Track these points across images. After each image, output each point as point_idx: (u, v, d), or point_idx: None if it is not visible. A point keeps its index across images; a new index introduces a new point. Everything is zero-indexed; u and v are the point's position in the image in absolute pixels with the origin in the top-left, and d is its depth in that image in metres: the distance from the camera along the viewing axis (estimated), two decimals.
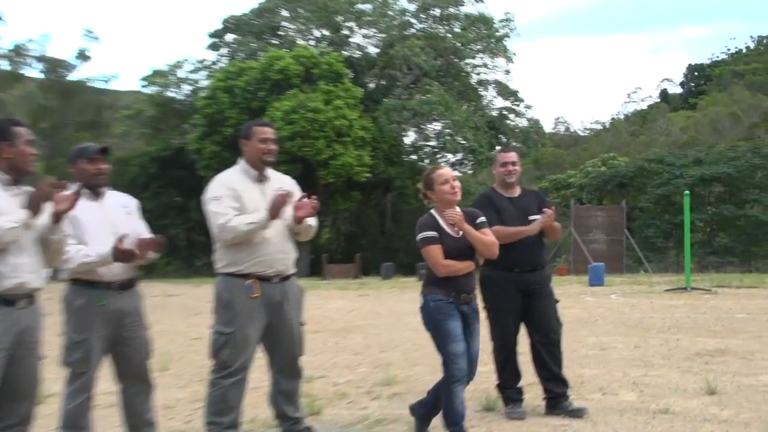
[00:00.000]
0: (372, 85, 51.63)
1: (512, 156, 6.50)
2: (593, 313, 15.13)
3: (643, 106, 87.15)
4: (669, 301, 18.15)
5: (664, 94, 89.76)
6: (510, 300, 6.11)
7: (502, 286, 6.10)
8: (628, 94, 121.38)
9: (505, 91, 53.93)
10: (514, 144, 51.55)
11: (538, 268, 6.29)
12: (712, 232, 41.98)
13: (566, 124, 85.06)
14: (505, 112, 54.03)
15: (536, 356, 6.28)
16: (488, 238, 5.31)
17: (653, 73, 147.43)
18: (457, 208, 5.35)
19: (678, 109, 77.01)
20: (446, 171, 5.41)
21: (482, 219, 5.39)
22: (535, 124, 54.32)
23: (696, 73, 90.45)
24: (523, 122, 53.99)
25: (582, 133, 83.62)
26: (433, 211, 5.41)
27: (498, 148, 40.35)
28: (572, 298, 19.47)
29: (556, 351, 6.28)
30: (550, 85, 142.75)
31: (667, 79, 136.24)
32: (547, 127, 72.14)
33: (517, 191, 6.44)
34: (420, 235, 5.30)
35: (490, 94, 54.97)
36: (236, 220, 5.03)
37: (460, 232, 5.27)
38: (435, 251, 5.22)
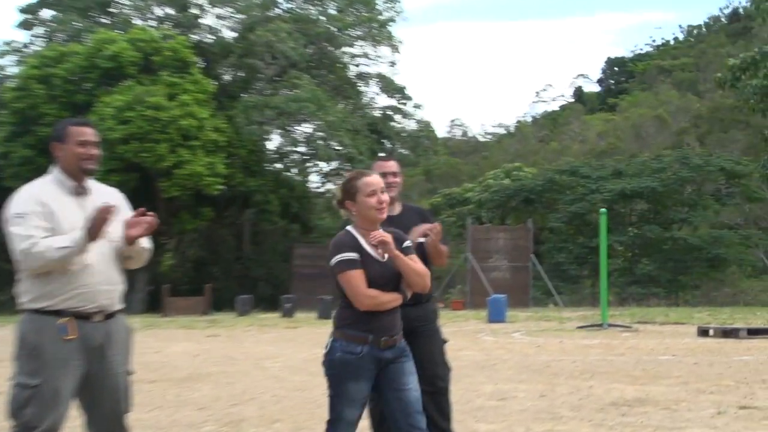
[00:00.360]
0: (227, 77, 51.39)
1: (391, 165, 6.56)
2: (492, 356, 15.40)
3: (555, 106, 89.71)
4: (582, 341, 18.66)
5: (578, 92, 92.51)
6: None
7: None
8: (537, 93, 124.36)
9: (389, 86, 54.52)
10: (401, 151, 52.11)
11: (421, 301, 6.32)
12: (633, 258, 43.33)
13: (463, 128, 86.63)
14: (389, 113, 54.61)
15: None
16: (420, 266, 5.20)
17: (567, 67, 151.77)
18: (380, 229, 5.22)
19: (595, 110, 79.47)
20: (375, 180, 5.21)
21: (409, 243, 5.31)
22: (425, 128, 55.08)
23: (616, 68, 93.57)
24: (411, 125, 54.68)
25: (482, 139, 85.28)
26: (351, 228, 5.23)
27: (382, 155, 40.64)
28: (467, 338, 19.79)
29: (444, 401, 6.35)
30: (445, 80, 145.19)
31: (583, 75, 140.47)
32: (441, 131, 73.38)
33: (396, 208, 6.49)
34: (337, 257, 5.10)
35: (371, 91, 55.53)
36: (44, 244, 4.90)
37: (386, 256, 5.11)
38: (356, 278, 5.03)
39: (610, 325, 22.23)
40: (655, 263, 41.57)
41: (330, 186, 53.78)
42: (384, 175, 6.43)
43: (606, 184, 42.71)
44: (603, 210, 24.16)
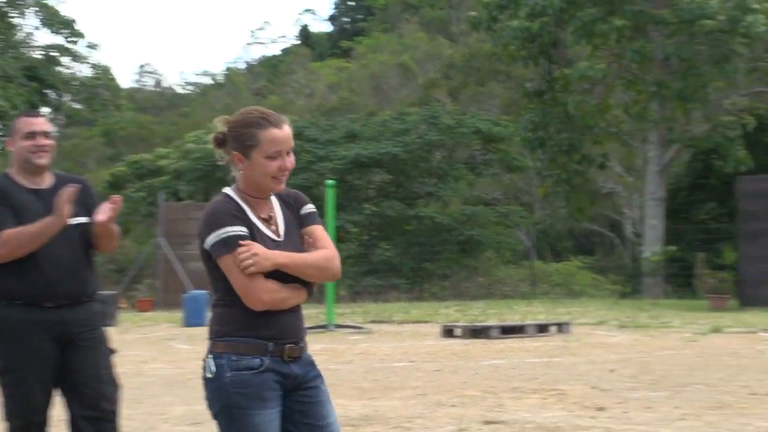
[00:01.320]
0: None
1: (41, 123, 6.45)
2: (186, 369, 15.38)
3: (275, 50, 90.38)
4: None
5: (304, 33, 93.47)
6: (34, 353, 6.06)
7: (20, 331, 6.04)
8: (253, 32, 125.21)
9: (53, 19, 53.40)
10: (71, 104, 51.23)
11: (81, 301, 6.29)
12: (370, 242, 44.23)
13: (156, 76, 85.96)
14: (54, 54, 53.51)
15: None
16: (317, 254, 4.60)
17: (290, 0, 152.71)
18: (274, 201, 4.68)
19: (325, 56, 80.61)
20: (284, 135, 4.50)
21: (310, 208, 4.76)
22: (104, 75, 54.33)
23: (351, 3, 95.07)
24: (84, 70, 53.82)
25: (181, 91, 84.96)
26: (231, 191, 4.66)
27: (41, 110, 39.69)
28: (156, 346, 19.77)
29: (111, 429, 6.35)
30: (131, 13, 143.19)
31: (310, 11, 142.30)
32: (125, 80, 72.42)
33: (47, 180, 6.41)
34: (216, 234, 4.51)
35: (29, 24, 54.21)
36: None
37: (281, 231, 4.59)
38: None
39: (338, 326, 22.71)
40: (396, 248, 42.32)
41: None
42: (31, 135, 6.36)
43: (337, 150, 43.22)
44: (330, 182, 24.42)
